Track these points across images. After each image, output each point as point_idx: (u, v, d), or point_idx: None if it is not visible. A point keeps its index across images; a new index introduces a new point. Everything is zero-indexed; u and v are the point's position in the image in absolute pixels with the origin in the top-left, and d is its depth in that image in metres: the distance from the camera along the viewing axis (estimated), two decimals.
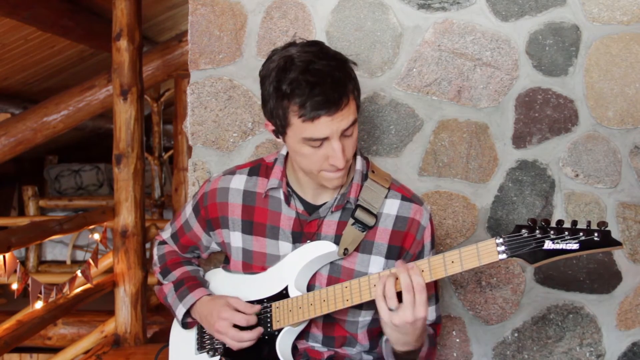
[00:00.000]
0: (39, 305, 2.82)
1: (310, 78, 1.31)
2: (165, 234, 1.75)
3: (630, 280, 2.01)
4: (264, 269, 1.53)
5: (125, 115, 3.19)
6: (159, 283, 1.71)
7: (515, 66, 1.96)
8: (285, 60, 1.35)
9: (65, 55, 5.38)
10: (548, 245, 1.23)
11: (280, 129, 1.39)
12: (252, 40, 2.01)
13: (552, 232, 1.23)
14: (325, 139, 1.34)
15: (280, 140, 1.45)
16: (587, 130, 1.98)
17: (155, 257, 1.76)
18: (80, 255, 6.13)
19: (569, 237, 1.22)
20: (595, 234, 1.21)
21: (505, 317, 2.04)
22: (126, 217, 3.22)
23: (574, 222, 1.23)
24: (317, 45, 1.39)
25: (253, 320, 1.48)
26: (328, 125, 1.32)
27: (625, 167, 1.98)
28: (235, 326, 1.47)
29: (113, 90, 3.22)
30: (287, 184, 1.53)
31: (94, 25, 4.56)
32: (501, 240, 1.26)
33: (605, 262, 2.01)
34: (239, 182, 1.56)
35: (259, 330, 1.48)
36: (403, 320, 1.28)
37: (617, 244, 1.21)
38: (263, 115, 1.46)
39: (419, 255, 1.51)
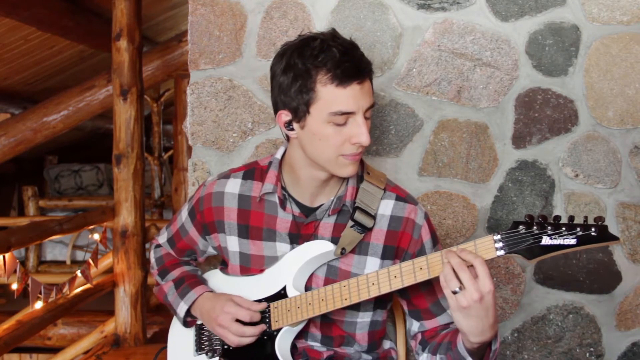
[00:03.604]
0: (38, 305, 2.82)
1: (339, 46, 1.32)
2: (162, 239, 1.75)
3: (630, 280, 2.01)
4: (262, 271, 1.53)
5: (125, 115, 3.19)
6: (158, 283, 1.71)
7: (515, 66, 1.96)
8: (305, 40, 1.36)
9: (65, 55, 5.38)
10: (546, 240, 1.23)
11: (303, 110, 1.35)
12: (252, 40, 2.01)
13: (549, 227, 1.22)
14: (351, 114, 1.34)
15: (293, 132, 1.41)
16: (587, 130, 1.98)
17: (153, 260, 1.75)
18: (80, 255, 6.13)
19: (566, 233, 1.22)
20: (593, 229, 1.20)
21: (505, 317, 2.04)
22: (126, 217, 3.22)
23: (571, 218, 1.22)
24: (331, 28, 1.42)
25: (257, 317, 1.46)
26: (356, 96, 1.32)
27: (625, 167, 1.98)
28: (239, 321, 1.46)
29: (113, 90, 3.22)
30: (283, 188, 1.51)
31: (94, 25, 4.56)
32: (499, 236, 1.26)
33: (605, 262, 2.01)
34: (233, 186, 1.55)
35: (262, 327, 1.46)
36: (470, 299, 1.20)
37: (614, 238, 1.20)
38: (273, 108, 1.43)
39: (419, 254, 1.49)
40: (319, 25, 1.98)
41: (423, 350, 1.51)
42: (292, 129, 1.41)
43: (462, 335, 1.31)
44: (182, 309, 1.58)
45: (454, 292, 1.23)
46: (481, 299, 1.21)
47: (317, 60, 1.31)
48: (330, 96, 1.32)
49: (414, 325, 1.55)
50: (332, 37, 1.35)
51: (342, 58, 1.31)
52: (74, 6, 4.32)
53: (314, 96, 1.33)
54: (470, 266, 1.23)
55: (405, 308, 1.56)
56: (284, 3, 1.99)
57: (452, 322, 1.49)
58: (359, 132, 1.35)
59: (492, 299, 1.22)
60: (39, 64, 5.39)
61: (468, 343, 1.30)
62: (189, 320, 1.61)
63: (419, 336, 1.54)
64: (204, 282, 1.63)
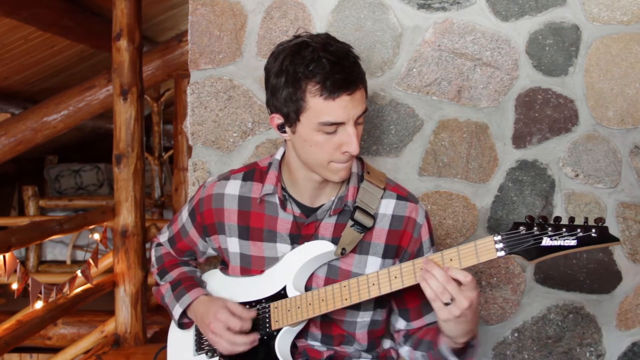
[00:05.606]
0: (39, 305, 2.82)
1: (330, 57, 1.31)
2: (163, 238, 1.75)
3: (630, 280, 2.01)
4: (262, 272, 1.53)
5: (125, 115, 3.19)
6: (157, 284, 1.71)
7: (515, 66, 1.96)
8: (299, 45, 1.35)
9: (65, 55, 5.38)
10: (546, 241, 1.23)
11: (293, 117, 1.36)
12: (252, 40, 2.01)
13: (549, 228, 1.23)
14: (341, 124, 1.34)
15: (286, 135, 1.42)
16: (587, 130, 1.98)
17: (153, 259, 1.76)
18: (80, 255, 6.13)
19: (566, 234, 1.22)
20: (593, 230, 1.21)
21: (505, 317, 2.04)
22: (126, 217, 3.22)
23: (572, 219, 1.23)
24: (325, 33, 1.41)
25: (247, 326, 1.46)
26: (346, 107, 1.32)
27: (625, 167, 1.98)
28: (230, 330, 1.46)
29: (113, 90, 3.22)
30: (283, 189, 1.52)
31: (94, 25, 4.57)
32: (499, 237, 1.26)
33: (605, 262, 2.01)
34: (233, 187, 1.56)
35: (255, 335, 1.46)
36: (462, 307, 1.25)
37: (614, 239, 1.21)
38: (267, 109, 1.44)
39: (417, 253, 1.50)
40: (319, 25, 1.98)
41: (405, 342, 1.55)
42: (285, 132, 1.42)
43: (448, 339, 1.35)
44: (177, 311, 1.58)
45: (446, 304, 1.26)
46: (470, 305, 1.26)
47: (307, 69, 1.31)
48: (319, 107, 1.32)
49: (400, 323, 1.57)
50: (324, 46, 1.33)
51: (333, 69, 1.30)
52: (74, 6, 4.32)
53: (304, 105, 1.34)
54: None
55: (395, 307, 1.57)
56: (284, 3, 1.99)
57: (437, 321, 1.51)
58: (348, 141, 1.35)
59: (478, 299, 1.28)
60: (39, 64, 5.39)
61: (453, 344, 1.34)
62: (184, 322, 1.61)
63: (403, 331, 1.57)
64: (201, 284, 1.62)
